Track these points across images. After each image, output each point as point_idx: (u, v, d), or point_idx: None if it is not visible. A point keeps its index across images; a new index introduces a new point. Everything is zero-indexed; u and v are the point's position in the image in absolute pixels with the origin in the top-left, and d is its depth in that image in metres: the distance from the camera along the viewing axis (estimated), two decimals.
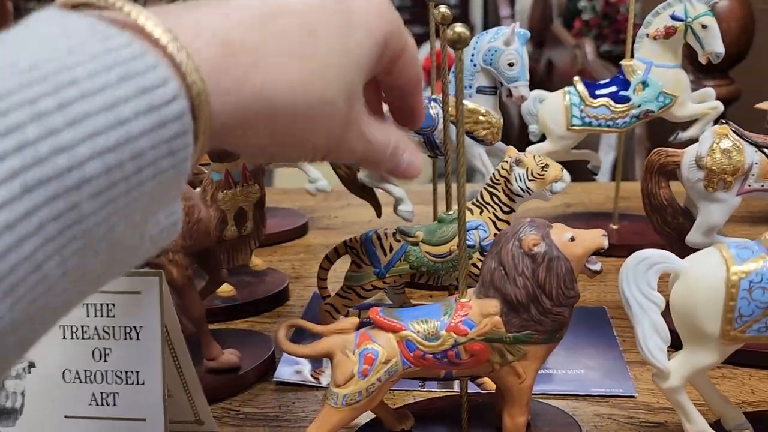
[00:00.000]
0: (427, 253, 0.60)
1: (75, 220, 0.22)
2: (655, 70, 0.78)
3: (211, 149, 0.34)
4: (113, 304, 0.47)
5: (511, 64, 0.67)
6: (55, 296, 0.24)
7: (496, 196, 0.61)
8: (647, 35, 0.78)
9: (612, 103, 0.79)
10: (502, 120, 0.72)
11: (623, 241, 0.83)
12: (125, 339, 0.47)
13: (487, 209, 0.61)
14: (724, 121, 0.59)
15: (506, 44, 0.67)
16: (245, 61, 0.27)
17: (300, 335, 0.57)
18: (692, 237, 0.61)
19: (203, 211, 0.57)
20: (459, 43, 0.41)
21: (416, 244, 0.60)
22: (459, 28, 0.40)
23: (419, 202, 0.94)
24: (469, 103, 0.71)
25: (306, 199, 1.02)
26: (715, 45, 0.75)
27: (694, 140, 0.82)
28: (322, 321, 0.61)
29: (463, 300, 0.47)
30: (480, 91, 0.70)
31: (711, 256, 0.44)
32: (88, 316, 0.48)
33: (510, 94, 0.69)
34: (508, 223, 0.60)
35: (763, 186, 0.58)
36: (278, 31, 0.28)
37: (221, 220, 0.57)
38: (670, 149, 0.61)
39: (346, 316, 0.63)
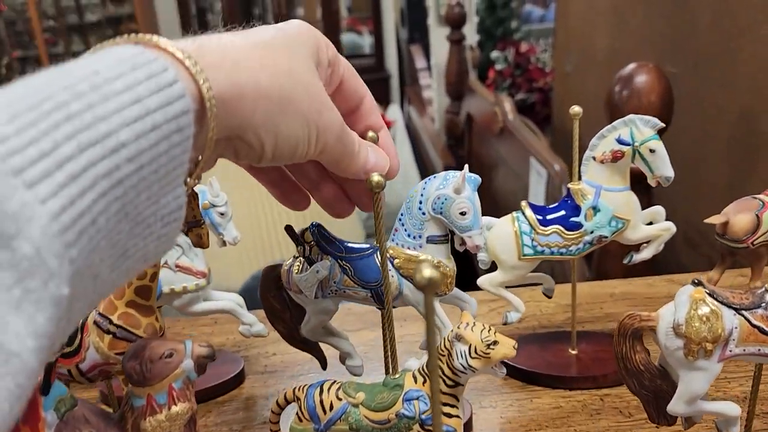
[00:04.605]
0: (366, 417, 0.57)
1: (118, 179, 0.28)
2: (604, 194, 0.75)
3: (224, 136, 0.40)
4: None
5: (463, 213, 0.62)
6: (100, 261, 0.28)
7: (440, 368, 0.55)
8: (593, 158, 0.75)
9: (563, 230, 0.75)
10: (455, 267, 0.66)
11: (585, 371, 0.78)
12: None
13: (430, 380, 0.56)
14: (697, 281, 0.55)
15: (456, 192, 0.62)
16: (233, 59, 0.38)
17: None
18: (674, 407, 0.56)
19: None
20: (429, 288, 0.34)
21: (357, 405, 0.57)
22: (428, 272, 0.34)
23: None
24: (419, 254, 0.65)
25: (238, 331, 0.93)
26: (664, 169, 0.72)
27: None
28: None
29: None
30: (430, 240, 0.65)
31: None
32: None
33: (463, 243, 0.64)
34: (453, 396, 0.56)
35: (744, 351, 0.54)
36: (250, 48, 0.40)
37: None
38: (643, 313, 0.56)
39: None
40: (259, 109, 0.39)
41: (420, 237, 0.65)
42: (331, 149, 0.46)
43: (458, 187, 0.62)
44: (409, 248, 0.65)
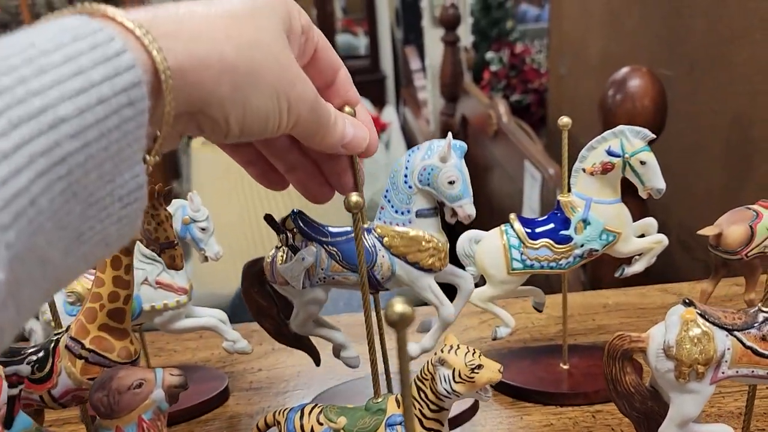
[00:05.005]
0: None
1: (59, 157, 0.27)
2: (595, 207, 0.73)
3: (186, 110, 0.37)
4: None
5: (451, 182, 0.59)
6: (47, 244, 0.27)
7: (424, 392, 0.53)
8: (583, 170, 0.73)
9: (553, 243, 0.73)
10: (447, 243, 0.63)
11: (577, 387, 0.76)
12: None
13: (413, 405, 0.54)
14: (688, 300, 0.53)
15: (443, 161, 0.59)
16: (192, 30, 0.36)
17: None
18: (666, 430, 0.54)
19: None
20: (401, 323, 0.32)
21: (338, 430, 0.55)
22: (399, 307, 0.32)
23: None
24: (409, 230, 0.61)
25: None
26: (655, 181, 0.71)
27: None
28: None
29: None
30: (419, 214, 0.61)
31: None
32: None
33: (454, 214, 0.61)
34: (437, 421, 0.54)
35: (737, 372, 0.52)
36: (213, 18, 0.37)
37: None
38: (633, 334, 0.54)
39: None
40: (225, 82, 0.37)
41: (408, 212, 0.61)
42: (304, 122, 0.44)
43: (444, 156, 0.59)
44: (397, 225, 0.62)
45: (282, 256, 0.63)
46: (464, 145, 0.60)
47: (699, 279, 1.13)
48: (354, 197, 0.52)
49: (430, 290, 0.64)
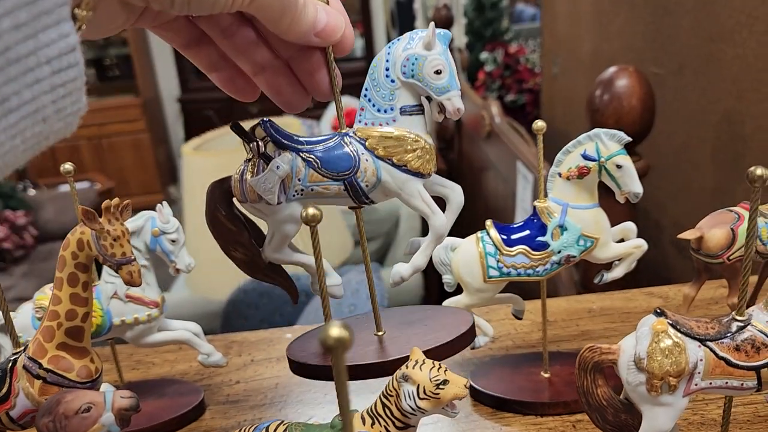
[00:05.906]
0: None
1: None
2: (572, 212, 0.71)
3: None
4: None
5: (438, 72, 0.54)
6: None
7: (389, 409, 0.52)
8: (559, 175, 0.72)
9: (529, 250, 0.72)
10: (434, 145, 0.58)
11: (557, 396, 0.74)
12: None
13: (378, 422, 0.53)
14: (659, 310, 0.52)
15: (427, 48, 0.54)
16: None
17: None
18: None
19: None
20: (339, 349, 0.30)
21: None
22: (335, 331, 0.30)
23: None
24: (393, 130, 0.56)
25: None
26: (632, 185, 0.69)
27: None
28: None
29: None
30: (404, 112, 0.56)
31: None
32: None
33: (442, 110, 0.56)
34: None
35: (711, 384, 0.51)
36: None
37: None
38: (604, 345, 0.53)
39: None
40: None
41: (392, 110, 0.56)
42: None
43: (429, 43, 0.54)
44: (380, 125, 0.56)
45: (252, 169, 0.56)
46: (449, 33, 0.56)
47: (692, 279, 1.11)
48: (311, 210, 0.50)
49: (420, 197, 0.57)
